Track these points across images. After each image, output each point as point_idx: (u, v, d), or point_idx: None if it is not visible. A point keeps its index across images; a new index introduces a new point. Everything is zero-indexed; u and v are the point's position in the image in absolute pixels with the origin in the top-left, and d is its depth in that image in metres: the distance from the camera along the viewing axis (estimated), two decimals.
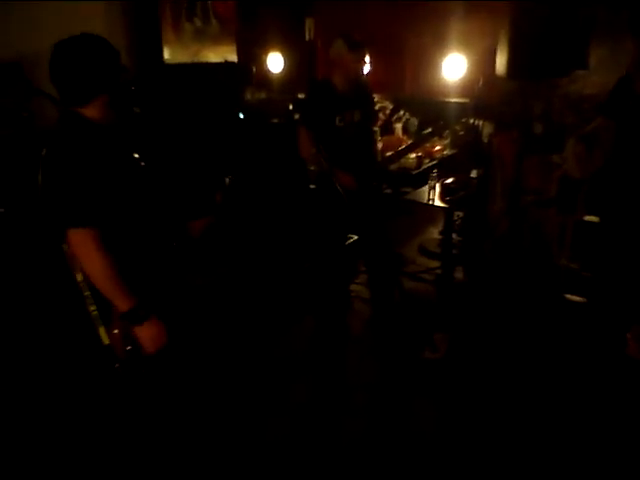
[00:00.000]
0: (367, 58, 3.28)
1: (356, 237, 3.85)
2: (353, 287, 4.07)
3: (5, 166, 3.14)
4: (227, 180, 2.37)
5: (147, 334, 1.95)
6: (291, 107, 2.42)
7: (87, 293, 1.91)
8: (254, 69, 5.58)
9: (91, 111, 1.90)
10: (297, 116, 2.44)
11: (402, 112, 5.20)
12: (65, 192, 1.82)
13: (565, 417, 2.82)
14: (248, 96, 5.33)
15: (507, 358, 3.28)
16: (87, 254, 1.84)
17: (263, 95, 5.48)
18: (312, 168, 3.49)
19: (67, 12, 4.00)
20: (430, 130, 4.60)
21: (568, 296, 3.74)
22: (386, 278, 3.49)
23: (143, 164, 2.08)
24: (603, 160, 3.06)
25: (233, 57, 5.78)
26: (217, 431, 2.81)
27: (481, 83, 4.19)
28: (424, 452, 2.71)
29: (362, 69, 3.29)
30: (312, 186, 3.63)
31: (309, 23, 6.13)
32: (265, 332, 3.68)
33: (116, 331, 1.94)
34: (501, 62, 3.50)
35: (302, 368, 3.35)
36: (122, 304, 1.89)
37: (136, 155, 2.07)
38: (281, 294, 4.08)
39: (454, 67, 4.78)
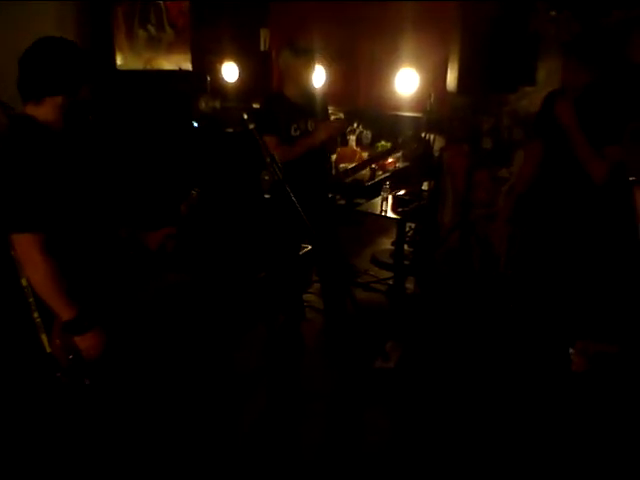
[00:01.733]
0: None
1: (309, 247, 3.86)
2: (306, 297, 4.08)
3: None
4: (194, 192, 2.34)
5: (88, 344, 1.92)
6: (246, 116, 2.42)
7: (31, 299, 1.86)
8: (209, 78, 5.55)
9: (43, 112, 1.87)
10: (252, 126, 2.44)
11: (356, 124, 5.25)
12: (10, 196, 1.78)
13: (512, 424, 2.88)
14: (202, 105, 5.30)
15: (457, 367, 3.34)
16: (30, 260, 1.80)
17: (218, 104, 5.45)
18: (266, 178, 3.48)
19: (17, 16, 3.92)
20: (391, 146, 4.69)
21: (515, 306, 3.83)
22: (339, 288, 3.51)
23: (93, 169, 2.05)
24: (531, 176, 3.18)
25: (187, 65, 5.75)
26: (171, 434, 2.76)
27: (432, 98, 4.28)
28: (376, 458, 2.73)
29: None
30: (266, 196, 3.62)
31: (264, 34, 6.14)
32: (220, 340, 3.64)
33: (58, 340, 1.90)
34: (452, 78, 3.60)
35: (257, 377, 3.33)
36: (64, 313, 1.86)
37: (87, 161, 2.04)
38: (236, 303, 4.05)
39: (406, 81, 4.86)
